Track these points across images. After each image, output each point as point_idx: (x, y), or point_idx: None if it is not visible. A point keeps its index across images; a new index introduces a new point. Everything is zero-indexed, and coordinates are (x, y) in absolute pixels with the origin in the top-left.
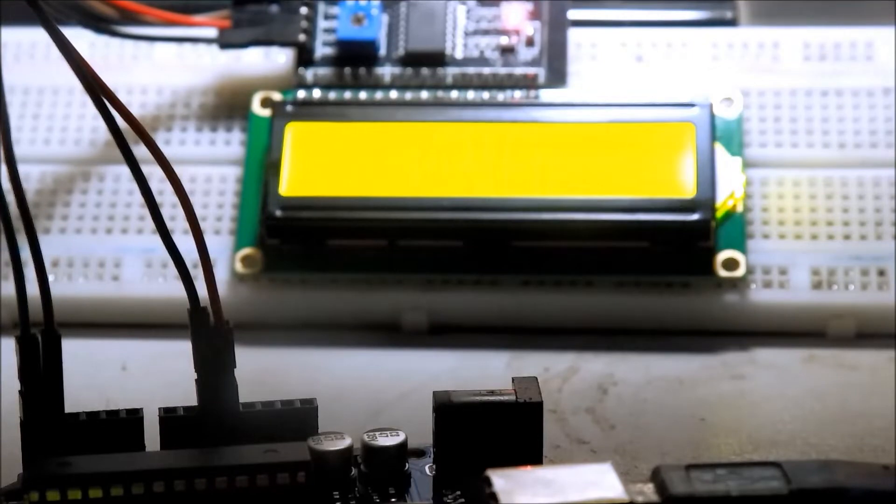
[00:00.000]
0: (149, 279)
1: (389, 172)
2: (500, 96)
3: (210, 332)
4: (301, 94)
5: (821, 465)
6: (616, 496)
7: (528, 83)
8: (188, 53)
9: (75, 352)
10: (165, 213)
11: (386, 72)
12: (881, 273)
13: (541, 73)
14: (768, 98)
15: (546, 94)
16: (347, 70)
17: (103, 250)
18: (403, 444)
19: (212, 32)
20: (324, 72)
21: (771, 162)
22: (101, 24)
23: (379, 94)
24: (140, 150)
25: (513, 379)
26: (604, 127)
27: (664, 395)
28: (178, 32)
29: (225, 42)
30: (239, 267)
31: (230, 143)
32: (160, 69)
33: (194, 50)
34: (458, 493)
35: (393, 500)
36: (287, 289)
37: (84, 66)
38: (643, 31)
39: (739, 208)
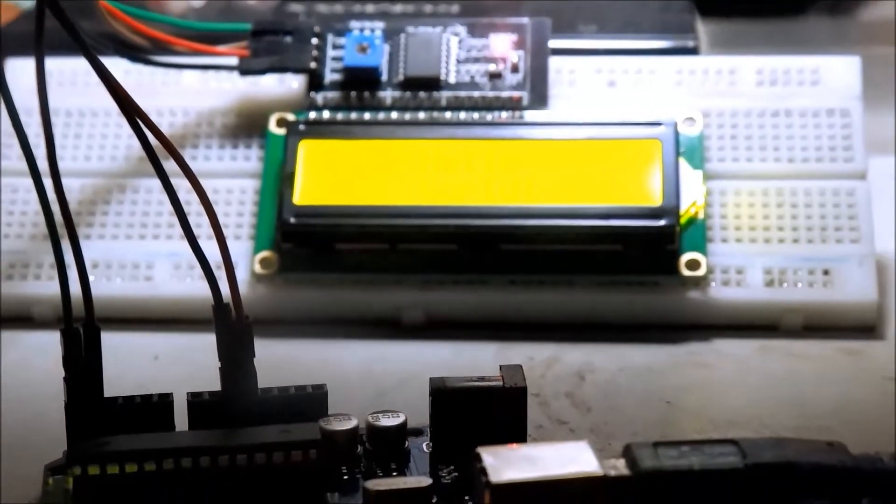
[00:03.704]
0: (177, 279)
1: (391, 184)
2: (489, 116)
3: (232, 326)
4: (312, 114)
5: (773, 442)
6: (592, 470)
7: (514, 105)
8: (211, 79)
9: (113, 344)
10: (192, 220)
11: (387, 95)
12: (826, 272)
13: (525, 95)
14: (726, 118)
15: (529, 115)
16: (353, 93)
17: (137, 254)
18: (403, 425)
19: (233, 60)
20: (332, 95)
21: (729, 174)
22: (134, 53)
23: (381, 115)
24: (169, 165)
25: (500, 367)
26: (581, 143)
27: (635, 381)
28: (202, 60)
29: (244, 69)
30: (257, 268)
31: (249, 158)
32: (187, 93)
33: (217, 76)
34: (452, 467)
35: (394, 474)
36: (300, 288)
37: (120, 90)
38: (615, 59)
39: (701, 215)
